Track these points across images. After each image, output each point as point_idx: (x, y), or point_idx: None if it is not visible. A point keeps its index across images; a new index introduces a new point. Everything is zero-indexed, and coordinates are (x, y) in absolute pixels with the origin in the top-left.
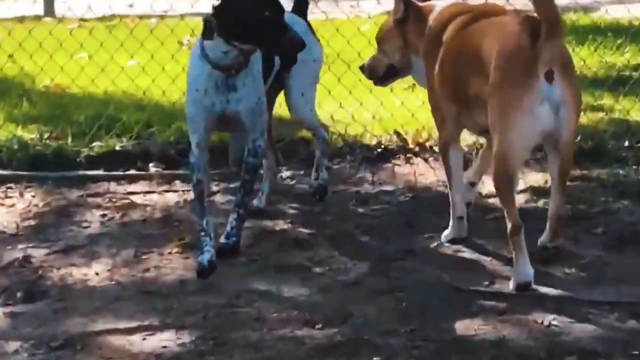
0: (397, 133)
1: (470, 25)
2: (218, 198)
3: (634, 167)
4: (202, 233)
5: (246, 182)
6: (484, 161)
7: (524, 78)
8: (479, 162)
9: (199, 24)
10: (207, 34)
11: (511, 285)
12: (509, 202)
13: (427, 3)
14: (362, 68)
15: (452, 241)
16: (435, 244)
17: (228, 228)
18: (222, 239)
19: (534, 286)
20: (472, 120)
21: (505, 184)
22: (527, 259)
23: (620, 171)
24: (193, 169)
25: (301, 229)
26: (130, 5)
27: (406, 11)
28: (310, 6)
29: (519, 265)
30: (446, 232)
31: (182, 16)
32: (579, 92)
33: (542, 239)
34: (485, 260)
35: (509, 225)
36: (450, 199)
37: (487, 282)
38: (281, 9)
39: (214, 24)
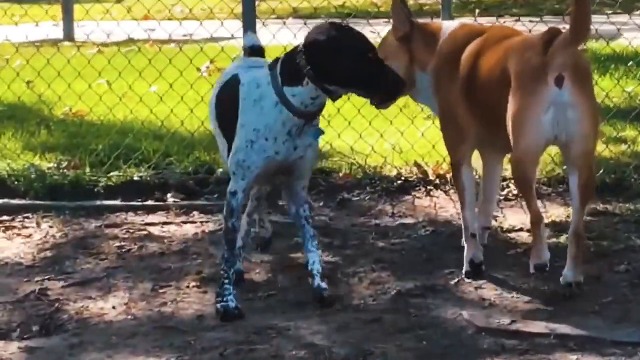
0: (417, 165)
1: (492, 43)
2: None
3: None
4: (227, 281)
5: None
6: (490, 198)
7: (534, 83)
8: (486, 203)
9: (217, 50)
10: (290, 79)
11: (531, 267)
12: (529, 198)
13: (433, 22)
14: None
15: (472, 265)
16: (457, 280)
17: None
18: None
19: (556, 326)
20: (493, 138)
21: (524, 183)
22: (545, 246)
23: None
24: (232, 214)
25: None
26: (152, 30)
27: (411, 29)
28: None
29: (538, 251)
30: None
31: (201, 45)
32: (593, 98)
33: (565, 272)
34: (507, 297)
35: (530, 217)
36: (462, 219)
37: (509, 321)
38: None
39: (307, 70)
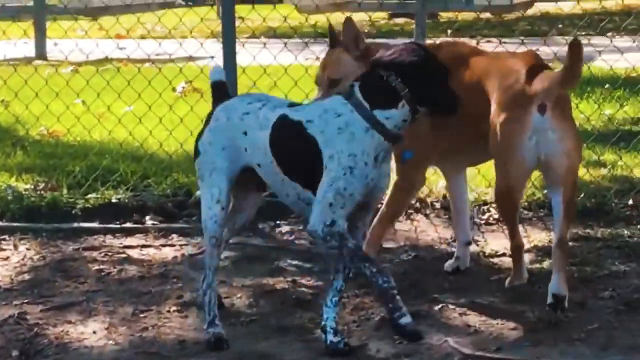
0: None
1: (468, 63)
2: None
3: (638, 226)
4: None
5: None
6: (463, 211)
7: (519, 112)
8: (459, 218)
9: (193, 70)
10: (381, 103)
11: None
12: (512, 225)
13: (380, 42)
14: None
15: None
16: (441, 305)
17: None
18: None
19: (541, 353)
20: (456, 154)
21: (510, 210)
22: (524, 271)
23: (625, 231)
24: (343, 237)
25: (302, 288)
26: (124, 48)
27: (366, 49)
28: None
29: (516, 274)
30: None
31: (179, 66)
32: (572, 120)
33: (550, 285)
34: (492, 323)
35: (511, 244)
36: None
37: (495, 348)
38: None
39: (404, 92)
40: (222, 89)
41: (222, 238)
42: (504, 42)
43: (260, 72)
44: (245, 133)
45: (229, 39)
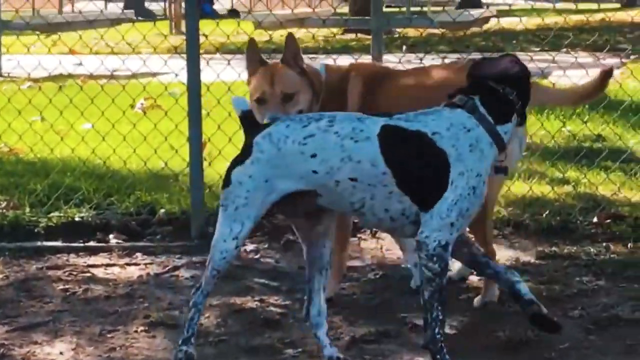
0: None
1: (387, 82)
2: (182, 273)
3: (604, 244)
4: None
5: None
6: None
7: None
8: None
9: (152, 86)
10: (501, 117)
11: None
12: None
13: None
14: None
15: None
16: (410, 325)
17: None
18: None
19: None
20: None
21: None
22: (494, 288)
23: (591, 249)
24: (446, 268)
25: (270, 308)
26: (78, 64)
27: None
28: None
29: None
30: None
31: (143, 84)
32: None
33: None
34: (462, 343)
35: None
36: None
37: None
38: None
39: (518, 106)
40: (252, 118)
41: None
42: (458, 58)
43: (224, 88)
44: (315, 155)
45: (193, 55)
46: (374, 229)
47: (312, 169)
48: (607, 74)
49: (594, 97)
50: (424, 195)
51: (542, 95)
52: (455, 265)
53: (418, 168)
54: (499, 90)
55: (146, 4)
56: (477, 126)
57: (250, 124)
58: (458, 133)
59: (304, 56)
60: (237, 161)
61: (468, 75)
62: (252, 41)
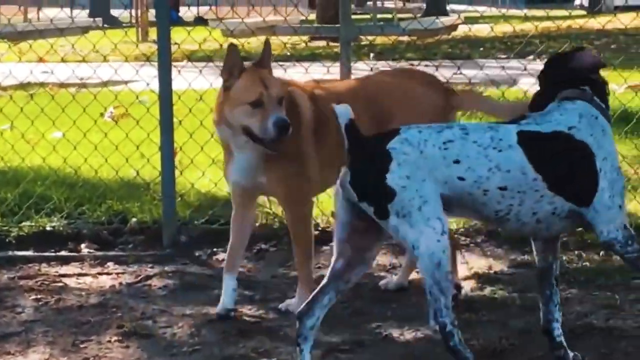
0: (334, 215)
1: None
2: (154, 282)
3: (577, 252)
4: None
5: None
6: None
7: None
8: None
9: (123, 94)
10: (607, 103)
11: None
12: None
13: None
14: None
15: None
16: (384, 334)
17: None
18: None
19: None
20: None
21: None
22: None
23: (564, 257)
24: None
25: (244, 317)
26: (46, 72)
27: None
28: None
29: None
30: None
31: (115, 93)
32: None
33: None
34: (437, 352)
35: None
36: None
37: None
38: None
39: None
40: (356, 127)
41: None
42: (426, 65)
43: (194, 97)
44: (458, 162)
45: (164, 63)
46: None
47: (457, 175)
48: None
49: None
50: (579, 191)
51: (477, 103)
52: (393, 277)
53: (567, 166)
54: (598, 80)
55: (112, 11)
56: (599, 113)
57: (354, 132)
58: (590, 122)
59: (274, 64)
60: (381, 169)
61: (554, 69)
62: (233, 46)
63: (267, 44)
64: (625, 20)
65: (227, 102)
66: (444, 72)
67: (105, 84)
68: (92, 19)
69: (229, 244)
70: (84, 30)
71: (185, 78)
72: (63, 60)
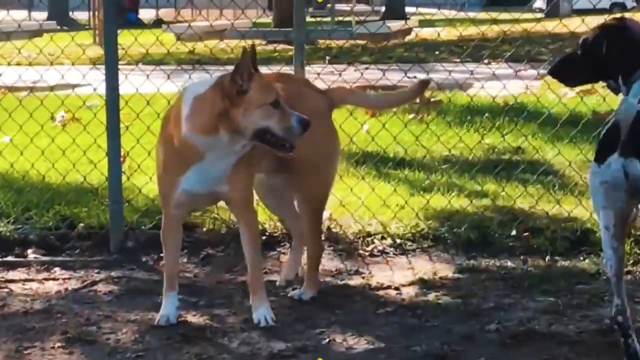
0: (282, 220)
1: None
2: (100, 288)
3: (522, 257)
4: None
5: None
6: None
7: None
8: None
9: (73, 99)
10: None
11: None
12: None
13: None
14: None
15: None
16: (328, 340)
17: None
18: None
19: None
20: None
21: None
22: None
23: (509, 262)
24: None
25: (189, 323)
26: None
27: None
28: None
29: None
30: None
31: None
32: None
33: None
34: (379, 357)
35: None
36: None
37: None
38: None
39: None
40: None
41: None
42: (380, 69)
43: (142, 101)
44: None
45: (111, 67)
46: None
47: None
48: (424, 84)
49: (407, 103)
50: None
51: (357, 98)
52: (282, 272)
53: None
54: None
55: (70, 14)
56: None
57: None
58: None
59: (225, 68)
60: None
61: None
62: (246, 50)
63: (252, 48)
64: (574, 25)
65: (241, 105)
66: (394, 76)
67: (53, 88)
68: (45, 21)
69: (166, 262)
70: (36, 33)
71: (132, 83)
72: (11, 64)
